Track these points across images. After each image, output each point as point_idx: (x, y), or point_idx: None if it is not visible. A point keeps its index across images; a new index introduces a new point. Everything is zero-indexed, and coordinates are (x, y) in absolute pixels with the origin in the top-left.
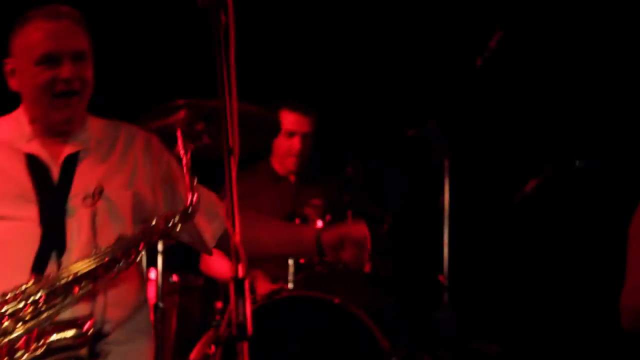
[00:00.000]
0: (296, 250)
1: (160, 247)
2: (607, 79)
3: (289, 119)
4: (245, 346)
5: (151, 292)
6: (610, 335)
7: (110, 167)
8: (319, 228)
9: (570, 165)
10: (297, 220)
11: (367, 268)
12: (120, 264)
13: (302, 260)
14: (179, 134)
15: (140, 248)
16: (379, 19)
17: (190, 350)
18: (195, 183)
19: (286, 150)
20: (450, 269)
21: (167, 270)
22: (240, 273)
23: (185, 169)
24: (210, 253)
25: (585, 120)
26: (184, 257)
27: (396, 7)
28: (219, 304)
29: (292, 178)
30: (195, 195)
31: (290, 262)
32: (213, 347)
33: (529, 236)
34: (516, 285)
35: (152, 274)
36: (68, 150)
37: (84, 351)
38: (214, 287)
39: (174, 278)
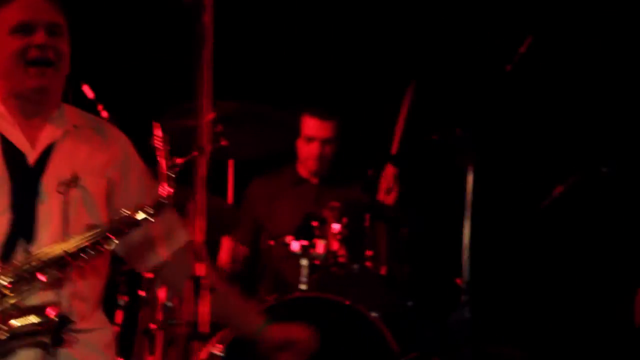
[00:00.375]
0: (232, 323)
1: None
2: (636, 84)
3: (309, 124)
4: (196, 345)
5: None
6: (633, 340)
7: (87, 155)
8: (263, 321)
9: (596, 171)
10: (315, 223)
11: (384, 270)
12: (89, 253)
13: (316, 262)
14: (155, 126)
15: (110, 238)
16: (409, 24)
17: None
18: (171, 177)
19: (306, 154)
20: (472, 273)
21: None
22: (200, 272)
23: (162, 161)
24: (147, 269)
25: (612, 126)
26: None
27: (425, 12)
28: None
29: (315, 181)
30: (170, 189)
31: (304, 262)
32: (220, 347)
33: (554, 242)
34: (539, 291)
35: None
36: (45, 133)
37: (46, 338)
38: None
39: None
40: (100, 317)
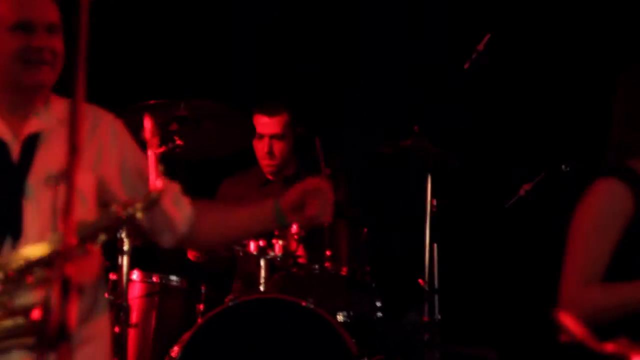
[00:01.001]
0: (258, 227)
1: (126, 246)
2: (594, 81)
3: (258, 122)
4: (64, 347)
5: (134, 292)
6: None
7: None
8: (277, 198)
9: (556, 169)
10: None
11: (345, 271)
12: (78, 251)
13: (277, 263)
14: (147, 119)
15: (99, 235)
16: (365, 21)
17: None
18: (161, 170)
19: (258, 153)
20: (439, 273)
21: (147, 270)
22: (68, 272)
23: (152, 155)
24: (173, 243)
25: (570, 123)
26: (167, 258)
27: (383, 10)
28: (201, 307)
29: (280, 181)
30: (161, 182)
31: (262, 263)
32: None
33: (519, 240)
34: (505, 289)
35: (135, 275)
36: (30, 128)
37: (30, 340)
38: (197, 290)
39: (155, 279)
40: (99, 320)
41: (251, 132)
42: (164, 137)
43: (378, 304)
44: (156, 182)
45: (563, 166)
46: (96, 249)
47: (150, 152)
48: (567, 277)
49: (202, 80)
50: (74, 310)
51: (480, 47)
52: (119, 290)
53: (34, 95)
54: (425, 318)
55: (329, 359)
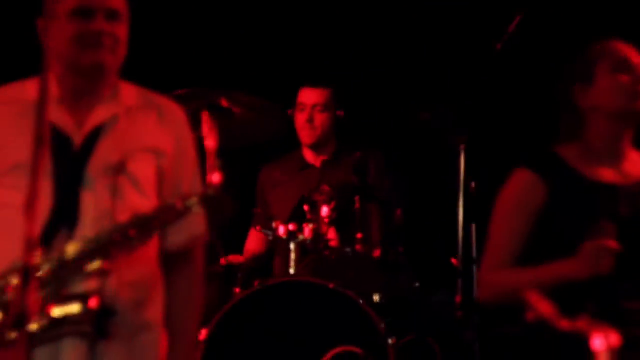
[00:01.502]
0: None
1: None
2: None
3: (301, 93)
4: (24, 334)
5: None
6: None
7: (139, 139)
8: None
9: None
10: (306, 207)
11: (377, 253)
12: (133, 242)
13: (308, 246)
14: (204, 115)
15: (156, 227)
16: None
17: None
18: (218, 164)
19: (299, 123)
20: (478, 253)
21: None
22: (32, 261)
23: (210, 150)
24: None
25: None
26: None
27: None
28: (237, 290)
29: (318, 165)
30: (219, 177)
31: (292, 247)
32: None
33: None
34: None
35: None
36: (96, 119)
37: (87, 327)
38: (233, 274)
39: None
40: (154, 308)
41: (281, 123)
42: (195, 125)
43: (416, 284)
44: (213, 176)
45: None
46: (152, 240)
47: (208, 147)
48: (482, 262)
49: (233, 70)
50: (33, 299)
51: (512, 28)
52: None
53: (96, 79)
54: (458, 297)
55: (356, 339)
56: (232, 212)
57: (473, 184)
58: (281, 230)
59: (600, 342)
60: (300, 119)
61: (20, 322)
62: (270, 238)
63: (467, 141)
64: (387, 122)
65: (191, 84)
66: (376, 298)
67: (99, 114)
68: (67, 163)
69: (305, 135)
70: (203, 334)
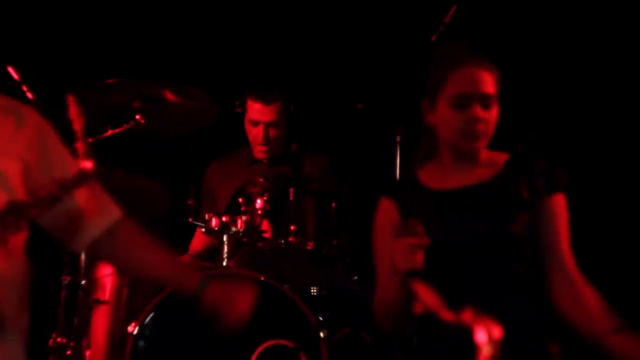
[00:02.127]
0: (171, 285)
1: None
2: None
3: (253, 108)
4: None
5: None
6: None
7: (2, 136)
8: (205, 276)
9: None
10: (241, 199)
11: (311, 245)
12: (10, 229)
13: (244, 239)
14: (70, 99)
15: (33, 213)
16: None
17: None
18: (90, 153)
19: (252, 138)
20: None
21: None
22: None
23: (79, 134)
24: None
25: (534, 99)
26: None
27: None
28: None
29: (266, 160)
30: (90, 163)
31: (224, 239)
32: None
33: None
34: None
35: None
36: None
37: None
38: None
39: None
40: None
41: (213, 111)
42: (126, 115)
43: (354, 277)
44: (84, 162)
45: (519, 146)
46: (19, 251)
47: (77, 134)
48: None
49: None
50: None
51: (447, 19)
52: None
53: None
54: None
55: (288, 333)
56: (169, 205)
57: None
58: (213, 222)
59: (483, 334)
60: (253, 135)
61: None
62: (203, 231)
63: (404, 132)
64: (326, 114)
65: (122, 74)
66: (313, 291)
67: None
68: None
69: (260, 150)
70: (133, 327)
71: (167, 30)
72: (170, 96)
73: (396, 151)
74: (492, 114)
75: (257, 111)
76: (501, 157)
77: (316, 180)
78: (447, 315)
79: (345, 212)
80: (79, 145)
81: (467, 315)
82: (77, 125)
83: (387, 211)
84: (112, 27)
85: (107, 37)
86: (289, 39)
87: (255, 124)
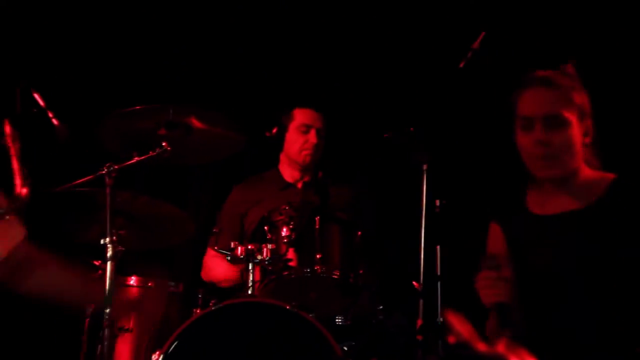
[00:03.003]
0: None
1: (109, 252)
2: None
3: (304, 115)
4: None
5: (130, 298)
6: None
7: None
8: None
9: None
10: (266, 227)
11: (337, 274)
12: None
13: (269, 267)
14: (6, 124)
15: None
16: (362, 22)
17: None
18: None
19: (301, 144)
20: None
21: (144, 276)
22: None
23: (14, 158)
24: None
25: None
26: (164, 263)
27: (379, 9)
28: (198, 311)
29: (299, 185)
30: (26, 190)
31: (250, 267)
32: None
33: None
34: None
35: (132, 281)
36: None
37: None
38: (194, 294)
39: (151, 284)
40: None
41: (240, 138)
42: (152, 142)
43: (379, 307)
44: (21, 189)
45: None
46: None
47: (13, 159)
48: None
49: (193, 85)
50: None
51: (476, 45)
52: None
53: None
54: (419, 321)
55: None
56: (193, 232)
57: (437, 202)
58: (239, 251)
59: None
60: (304, 140)
61: None
62: (228, 258)
63: (430, 160)
64: (352, 143)
65: (148, 101)
66: (338, 320)
67: None
68: None
69: (307, 155)
70: (157, 355)
71: (194, 57)
72: (196, 123)
73: (423, 180)
74: (561, 136)
75: (309, 117)
76: (605, 179)
77: (342, 209)
78: (481, 346)
79: (371, 241)
80: (16, 169)
81: (501, 347)
82: (13, 148)
83: (494, 237)
84: (137, 54)
85: (132, 64)
86: (316, 68)
87: (308, 128)
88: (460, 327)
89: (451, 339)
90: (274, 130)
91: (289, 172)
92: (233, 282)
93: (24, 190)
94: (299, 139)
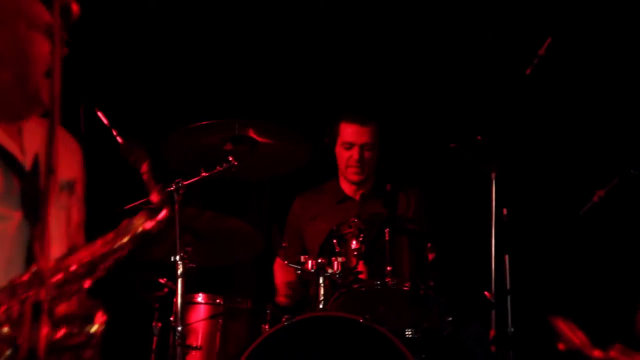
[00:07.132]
0: None
1: (180, 270)
2: None
3: (347, 131)
4: None
5: (198, 315)
6: None
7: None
8: None
9: (625, 174)
10: (335, 241)
11: (407, 286)
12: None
13: (338, 280)
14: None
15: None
16: (428, 32)
17: None
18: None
19: (345, 160)
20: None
21: (212, 292)
22: (41, 296)
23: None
24: None
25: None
26: (232, 279)
27: (444, 18)
28: (266, 327)
29: (357, 197)
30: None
31: (320, 281)
32: None
33: (595, 249)
34: (580, 300)
35: (200, 298)
36: (34, 139)
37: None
38: (262, 310)
39: (219, 300)
40: None
41: (306, 152)
42: (219, 157)
43: (449, 318)
44: (153, 194)
45: (632, 170)
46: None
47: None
48: None
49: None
50: (44, 335)
51: (542, 51)
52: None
53: None
54: (492, 332)
55: None
56: (261, 247)
57: (505, 211)
58: (309, 265)
59: None
60: (347, 157)
61: (31, 357)
62: (299, 272)
63: (499, 169)
64: (419, 153)
65: (215, 116)
66: (408, 333)
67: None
68: (28, 184)
69: (353, 173)
70: None
71: (256, 70)
72: (261, 137)
73: (492, 189)
74: None
75: (352, 133)
76: None
77: (411, 220)
78: (595, 353)
79: (440, 252)
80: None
81: (615, 352)
82: (140, 163)
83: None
84: (199, 70)
85: (195, 80)
86: (382, 78)
87: (350, 145)
88: (571, 334)
89: (561, 346)
90: (326, 140)
91: (346, 184)
92: (291, 297)
93: (156, 197)
94: (343, 154)
